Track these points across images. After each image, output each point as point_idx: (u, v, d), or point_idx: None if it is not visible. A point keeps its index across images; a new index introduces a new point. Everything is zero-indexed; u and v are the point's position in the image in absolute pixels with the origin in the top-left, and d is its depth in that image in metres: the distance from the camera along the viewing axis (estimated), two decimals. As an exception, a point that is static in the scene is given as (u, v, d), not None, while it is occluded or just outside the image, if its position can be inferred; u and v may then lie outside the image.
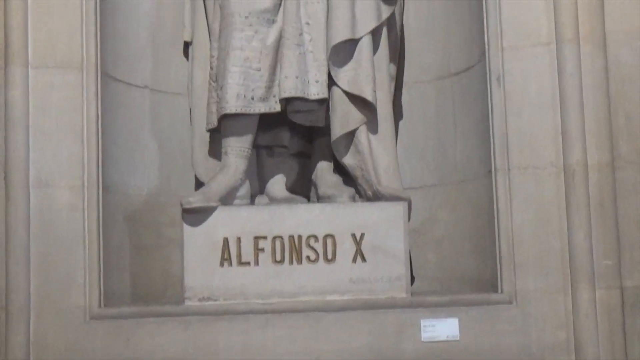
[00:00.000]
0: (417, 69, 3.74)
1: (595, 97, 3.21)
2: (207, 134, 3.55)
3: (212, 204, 3.24)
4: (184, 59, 3.74)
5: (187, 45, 3.72)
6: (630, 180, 3.18)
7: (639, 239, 3.16)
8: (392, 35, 3.55)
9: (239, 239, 3.23)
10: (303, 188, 3.69)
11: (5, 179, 3.15)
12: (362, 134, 3.41)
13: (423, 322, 3.17)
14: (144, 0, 3.66)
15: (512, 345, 3.17)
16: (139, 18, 3.63)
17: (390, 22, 3.52)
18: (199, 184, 3.57)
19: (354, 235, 3.26)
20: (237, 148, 3.36)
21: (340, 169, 3.55)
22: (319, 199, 3.53)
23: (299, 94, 3.32)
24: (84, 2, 3.24)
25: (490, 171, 3.29)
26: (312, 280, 3.22)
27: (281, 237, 3.25)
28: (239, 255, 3.22)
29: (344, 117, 3.38)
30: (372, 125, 3.44)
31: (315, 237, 3.25)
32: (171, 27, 3.73)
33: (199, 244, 3.22)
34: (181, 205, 3.21)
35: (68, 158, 3.19)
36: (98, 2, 3.28)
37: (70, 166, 3.19)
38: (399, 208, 3.28)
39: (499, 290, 3.23)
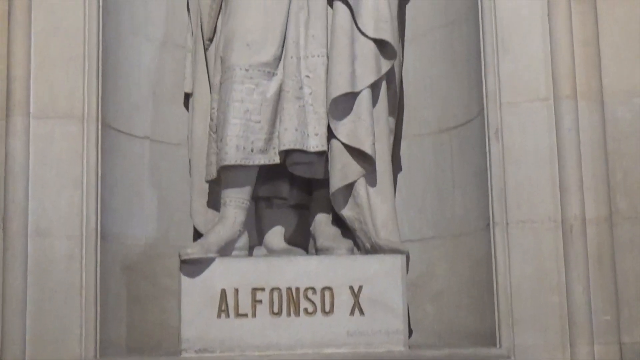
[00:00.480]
0: (416, 122, 3.77)
1: (592, 152, 3.23)
2: (206, 185, 3.56)
3: (210, 255, 3.23)
4: (185, 110, 3.77)
5: (187, 96, 3.75)
6: (628, 236, 3.19)
7: (638, 295, 3.16)
8: (392, 88, 3.58)
9: (236, 290, 3.22)
10: (301, 240, 3.69)
11: (3, 228, 3.15)
12: (361, 187, 3.42)
13: (421, 376, 3.16)
14: (145, 52, 3.70)
15: (511, 400, 3.16)
16: (140, 70, 3.66)
17: (390, 75, 3.55)
18: (197, 235, 3.57)
19: (352, 288, 3.25)
20: (236, 199, 3.37)
21: (338, 221, 3.55)
22: (317, 250, 3.53)
23: (298, 147, 3.34)
24: (86, 54, 3.28)
25: (488, 225, 3.30)
26: (309, 333, 3.20)
27: (279, 289, 3.24)
28: (237, 307, 3.21)
29: (343, 170, 3.39)
30: (371, 177, 3.45)
31: (313, 290, 3.24)
32: (172, 79, 3.76)
33: (196, 295, 3.21)
34: (179, 256, 3.20)
35: (67, 207, 3.20)
36: (100, 54, 3.32)
37: (69, 216, 3.20)
38: (397, 261, 3.28)
39: (498, 345, 3.22)
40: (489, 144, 3.30)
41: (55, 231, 3.18)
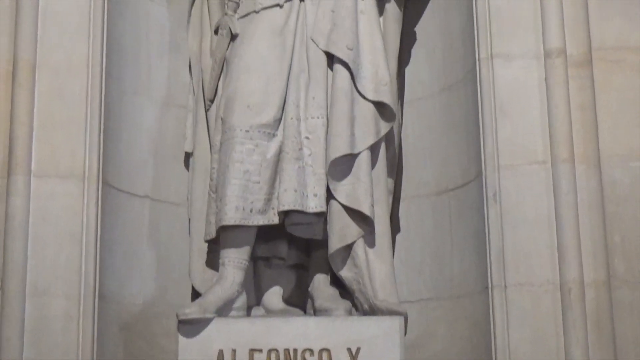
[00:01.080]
0: (414, 183, 3.79)
1: (590, 215, 3.24)
2: (205, 245, 3.57)
3: (208, 315, 3.23)
4: (185, 169, 3.79)
5: (188, 156, 3.78)
6: (627, 300, 3.17)
7: (637, 359, 3.14)
8: (391, 150, 3.61)
9: (234, 351, 3.21)
10: (300, 300, 3.68)
11: (1, 287, 3.15)
12: (359, 248, 3.43)
13: None
14: (147, 112, 3.74)
15: None
16: (142, 129, 3.70)
17: (389, 137, 3.58)
18: (195, 295, 3.56)
19: (349, 350, 3.23)
20: (235, 259, 3.37)
21: (337, 282, 3.55)
22: (316, 311, 3.52)
23: (297, 207, 3.35)
24: (88, 114, 3.31)
25: (486, 287, 3.29)
26: (307, 395, 3.19)
27: (277, 350, 3.23)
28: (234, 368, 3.20)
29: (341, 231, 3.40)
30: (370, 238, 3.46)
31: (311, 351, 3.23)
32: (173, 138, 3.80)
33: (194, 355, 3.19)
34: (177, 316, 3.20)
35: (65, 267, 3.20)
36: (103, 114, 3.35)
37: (67, 275, 3.20)
38: (396, 322, 3.27)
39: (496, 408, 3.20)
40: (487, 207, 3.31)
41: (53, 290, 3.18)
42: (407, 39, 3.83)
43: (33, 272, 3.18)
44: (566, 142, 3.26)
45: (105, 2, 3.40)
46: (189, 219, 3.69)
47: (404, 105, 3.84)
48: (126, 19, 3.62)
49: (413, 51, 3.88)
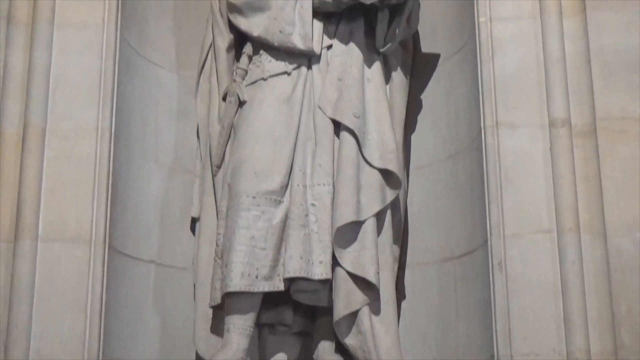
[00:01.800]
0: (420, 250, 3.78)
1: (596, 285, 3.23)
2: (210, 310, 3.55)
3: (212, 382, 3.21)
4: (191, 234, 3.80)
5: (194, 221, 3.79)
6: (634, 371, 3.16)
7: None
8: (396, 217, 3.62)
9: (238, 418, 3.19)
10: (304, 367, 3.67)
11: (4, 353, 3.13)
12: (365, 315, 3.42)
13: None
14: (155, 177, 3.76)
15: None
16: (149, 194, 3.72)
17: (394, 204, 3.60)
18: (199, 361, 3.55)
19: (354, 418, 3.21)
20: (240, 326, 3.36)
21: (342, 349, 3.53)
22: (320, 379, 3.50)
23: (303, 274, 3.35)
24: (96, 179, 3.33)
25: (492, 356, 3.27)
26: None
27: (280, 417, 3.21)
28: None
29: (346, 298, 3.39)
30: (375, 305, 3.45)
31: (315, 419, 3.20)
32: (180, 204, 3.81)
33: (196, 423, 3.17)
34: (181, 382, 3.19)
35: (69, 332, 3.18)
36: (110, 179, 3.37)
37: (72, 341, 3.18)
38: (401, 391, 3.25)
39: None
40: (492, 275, 3.30)
41: (57, 356, 3.15)
42: (413, 107, 3.87)
43: (37, 338, 3.15)
44: (571, 212, 3.27)
45: (116, 68, 3.44)
46: (194, 284, 3.68)
47: (410, 172, 3.86)
48: (136, 85, 3.66)
49: (419, 118, 3.92)
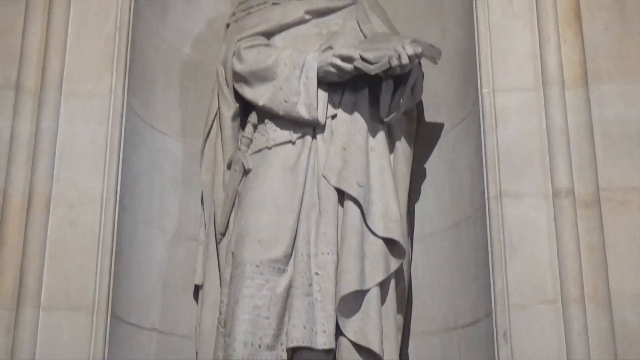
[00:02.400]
0: (424, 320, 3.76)
1: (601, 356, 3.19)
2: (213, 380, 3.53)
3: None
4: (194, 302, 3.78)
5: (197, 288, 3.78)
6: None
7: None
8: (400, 286, 3.61)
9: None
10: None
11: (3, 423, 3.11)
12: (369, 385, 3.40)
13: None
14: (158, 244, 3.76)
15: None
16: (152, 261, 3.71)
17: (398, 273, 3.59)
18: None
19: None
20: (241, 397, 3.33)
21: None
22: None
23: (306, 344, 3.34)
24: (100, 246, 3.32)
25: None
26: None
27: None
28: None
29: (350, 368, 3.38)
30: (379, 375, 3.43)
31: None
32: (183, 271, 3.80)
33: None
34: None
35: (70, 401, 3.16)
36: (114, 246, 3.36)
37: (71, 411, 3.15)
38: None
39: None
40: (497, 346, 3.27)
41: (56, 423, 3.13)
42: (417, 176, 3.89)
43: (36, 408, 3.13)
44: (576, 282, 3.26)
45: (122, 136, 3.47)
46: (197, 353, 3.65)
47: (414, 240, 3.86)
48: (141, 153, 3.69)
49: (422, 188, 3.93)
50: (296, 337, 3.33)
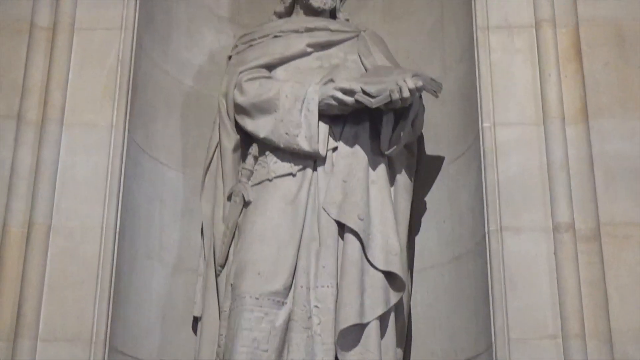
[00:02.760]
0: (424, 354, 3.74)
1: (603, 392, 3.20)
2: (211, 413, 3.51)
3: None
4: (193, 334, 3.77)
5: (196, 320, 3.76)
6: None
7: None
8: (400, 319, 3.60)
9: None
10: None
11: None
12: (368, 418, 3.37)
13: None
14: (158, 275, 3.75)
15: None
16: (151, 293, 3.70)
17: (398, 306, 3.58)
18: None
19: None
20: None
21: None
22: None
23: (305, 377, 3.32)
24: (99, 277, 3.31)
25: None
26: None
27: None
28: None
29: (349, 402, 3.35)
30: (379, 410, 3.40)
31: None
32: (182, 302, 3.79)
33: None
34: None
35: None
36: (113, 277, 3.35)
37: None
38: None
39: None
40: (498, 380, 3.26)
41: None
42: (417, 209, 3.89)
43: None
44: (577, 317, 3.24)
45: (123, 167, 3.47)
46: (195, 385, 3.64)
47: (414, 273, 3.85)
48: (142, 184, 3.69)
49: (423, 221, 3.93)
50: (295, 370, 3.32)
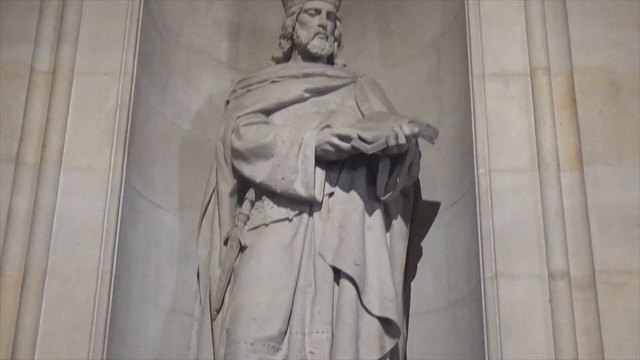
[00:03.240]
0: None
1: None
2: None
3: None
4: (190, 377, 3.75)
5: (192, 367, 3.75)
6: None
7: None
8: (396, 365, 3.59)
9: None
10: None
11: None
12: None
13: None
14: (153, 319, 3.74)
15: None
16: (146, 337, 3.69)
17: (394, 352, 3.56)
18: None
19: None
20: None
21: None
22: None
23: (302, 418, 3.30)
24: (94, 321, 3.30)
25: None
26: None
27: None
28: None
29: None
30: None
31: None
32: (177, 347, 3.78)
33: None
34: None
35: None
36: (109, 320, 3.35)
37: None
38: None
39: None
40: None
41: None
42: (413, 254, 3.89)
43: None
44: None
45: (120, 211, 3.49)
46: None
47: (409, 319, 3.84)
48: (138, 227, 3.70)
49: (419, 266, 3.93)
50: (291, 413, 3.30)
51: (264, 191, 3.67)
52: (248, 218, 3.70)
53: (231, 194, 3.78)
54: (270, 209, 3.64)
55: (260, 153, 3.66)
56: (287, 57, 4.09)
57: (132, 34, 3.70)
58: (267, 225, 3.61)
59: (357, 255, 3.51)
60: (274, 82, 3.93)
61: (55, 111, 3.54)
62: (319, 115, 3.79)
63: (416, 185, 3.91)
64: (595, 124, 3.52)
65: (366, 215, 3.62)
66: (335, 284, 3.52)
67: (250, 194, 3.72)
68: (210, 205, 3.85)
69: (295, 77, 3.92)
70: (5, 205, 3.42)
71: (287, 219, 3.60)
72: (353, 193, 3.63)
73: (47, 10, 3.70)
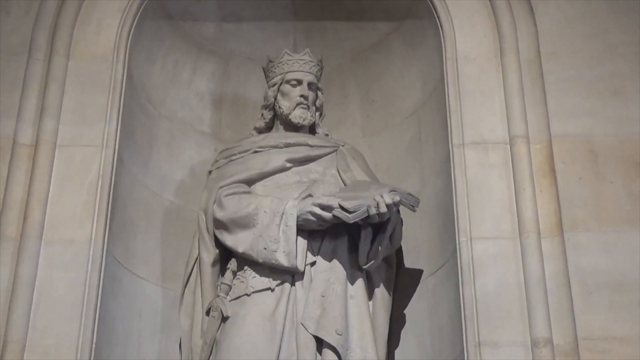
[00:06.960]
0: None
1: None
2: None
3: None
4: None
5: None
6: None
7: None
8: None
9: None
10: None
11: None
12: None
13: None
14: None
15: None
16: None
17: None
18: None
19: None
20: None
21: None
22: None
23: None
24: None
25: None
26: None
27: None
28: None
29: None
30: None
31: None
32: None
33: None
34: None
35: None
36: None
37: None
38: None
39: None
40: None
41: None
42: (397, 322, 3.86)
43: None
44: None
45: (101, 282, 3.47)
46: None
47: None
48: (120, 299, 3.68)
49: (402, 334, 3.90)
50: None
51: (246, 261, 3.66)
52: (230, 288, 3.68)
53: (213, 264, 3.77)
54: (252, 279, 3.63)
55: (242, 223, 3.67)
56: (269, 127, 4.13)
57: (114, 106, 3.74)
58: (249, 295, 3.60)
59: (339, 325, 3.50)
60: (256, 152, 3.95)
61: (37, 184, 3.55)
62: (301, 184, 3.81)
63: (398, 253, 3.91)
64: (575, 191, 3.55)
65: (348, 284, 3.62)
66: (318, 353, 3.49)
67: (233, 264, 3.72)
68: (192, 275, 3.84)
69: (276, 147, 3.95)
70: (-15, 281, 3.40)
71: (269, 288, 3.58)
72: (335, 262, 3.63)
73: (31, 85, 3.73)
